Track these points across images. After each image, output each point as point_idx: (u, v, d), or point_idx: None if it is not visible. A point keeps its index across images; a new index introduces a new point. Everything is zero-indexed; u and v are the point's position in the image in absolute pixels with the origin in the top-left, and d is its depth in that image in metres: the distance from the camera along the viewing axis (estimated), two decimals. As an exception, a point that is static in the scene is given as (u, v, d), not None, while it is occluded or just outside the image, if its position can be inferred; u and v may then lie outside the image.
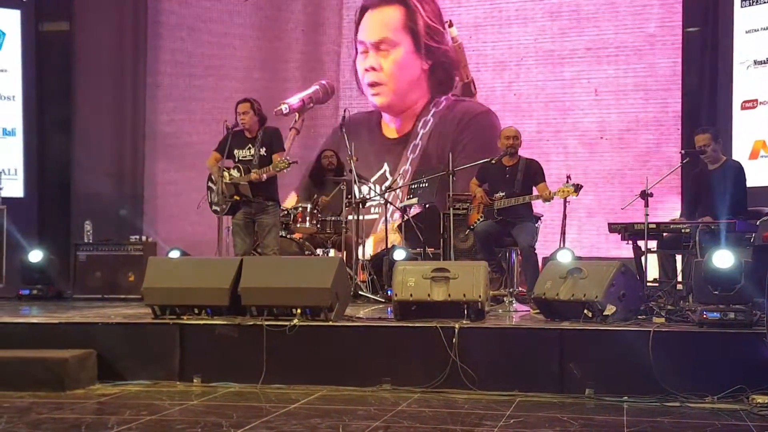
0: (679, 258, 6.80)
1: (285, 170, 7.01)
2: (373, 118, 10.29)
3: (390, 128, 10.23)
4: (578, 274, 5.80)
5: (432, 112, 10.02)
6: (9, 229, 8.55)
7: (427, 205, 8.53)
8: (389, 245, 7.92)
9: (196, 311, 5.87)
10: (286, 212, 7.98)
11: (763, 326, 4.84)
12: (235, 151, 7.09)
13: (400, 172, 9.93)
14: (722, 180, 6.53)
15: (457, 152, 9.27)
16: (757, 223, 6.15)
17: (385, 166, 8.18)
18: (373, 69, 10.20)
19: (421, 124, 10.05)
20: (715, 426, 4.29)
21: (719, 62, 8.85)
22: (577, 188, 6.79)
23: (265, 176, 6.96)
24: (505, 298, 7.10)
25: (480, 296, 5.70)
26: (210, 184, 7.50)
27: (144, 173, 10.52)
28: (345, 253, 7.88)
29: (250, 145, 7.09)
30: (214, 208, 7.31)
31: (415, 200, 8.51)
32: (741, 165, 6.81)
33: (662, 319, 5.56)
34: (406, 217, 8.30)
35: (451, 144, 9.66)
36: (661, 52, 9.27)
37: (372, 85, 10.24)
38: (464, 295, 5.71)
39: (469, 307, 5.66)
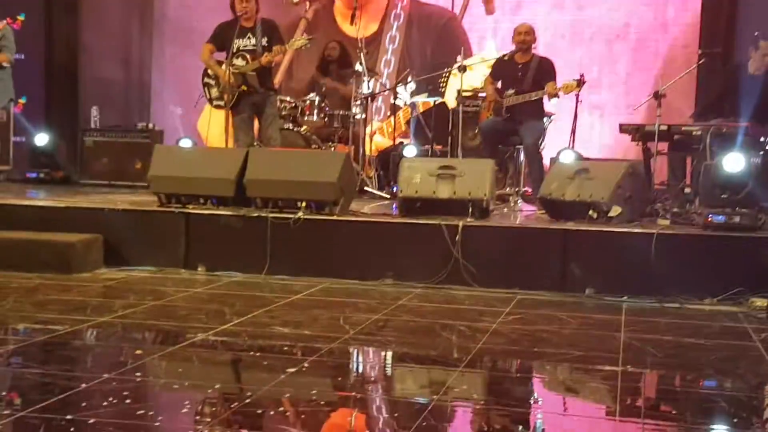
0: (689, 161, 6.74)
1: (304, 47, 6.84)
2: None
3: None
4: (585, 175, 5.77)
5: (399, 6, 9.78)
6: (15, 114, 8.50)
7: (436, 101, 8.43)
8: (397, 142, 7.87)
9: (202, 201, 5.89)
10: (294, 104, 7.90)
11: (767, 230, 4.82)
12: (236, 41, 6.86)
13: (382, 62, 9.76)
14: (763, 86, 6.33)
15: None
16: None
17: (358, 66, 8.00)
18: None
19: (392, 17, 9.80)
20: (711, 327, 4.34)
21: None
22: (580, 83, 6.67)
23: (279, 58, 6.80)
24: (511, 198, 7.09)
25: (485, 195, 5.69)
26: (207, 79, 7.08)
27: (152, 60, 10.37)
28: (352, 147, 7.84)
29: (250, 35, 6.89)
30: (217, 102, 7.03)
31: (423, 96, 8.40)
32: None
33: (667, 222, 5.55)
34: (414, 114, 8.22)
35: (432, 45, 9.45)
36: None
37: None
38: (469, 193, 5.70)
39: (473, 205, 5.65)
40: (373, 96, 7.81)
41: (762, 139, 6.05)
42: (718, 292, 4.83)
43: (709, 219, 5.15)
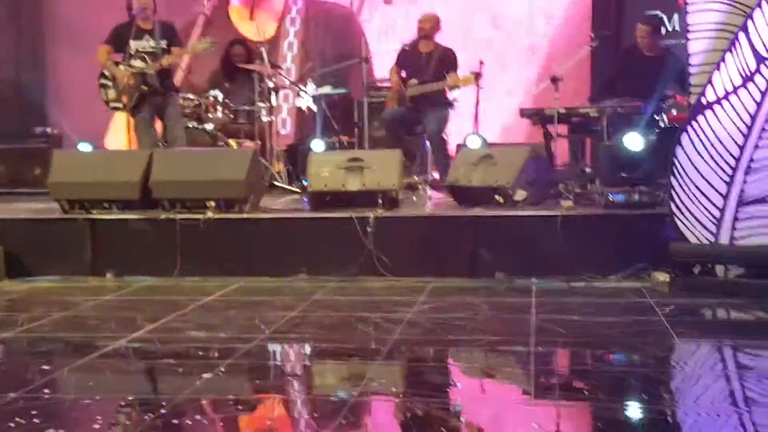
0: (588, 142, 6.94)
1: (205, 50, 6.75)
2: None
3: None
4: (490, 161, 5.88)
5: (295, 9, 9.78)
6: None
7: (340, 93, 8.43)
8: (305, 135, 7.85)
9: (106, 206, 5.76)
10: (197, 102, 7.77)
11: (664, 207, 5.01)
12: (132, 43, 6.71)
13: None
14: (657, 68, 6.54)
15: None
16: (663, 106, 6.31)
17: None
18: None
19: (288, 22, 9.79)
20: (617, 304, 4.48)
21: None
22: (477, 77, 6.79)
23: (179, 60, 6.69)
24: (419, 186, 7.17)
25: (394, 185, 5.74)
26: (103, 80, 6.87)
27: (46, 61, 10.04)
28: (260, 143, 7.77)
29: (148, 37, 6.75)
30: (114, 104, 6.84)
31: (327, 88, 8.39)
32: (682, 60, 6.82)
33: (570, 203, 5.70)
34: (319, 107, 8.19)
35: (331, 40, 9.47)
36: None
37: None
38: (379, 184, 5.74)
39: (383, 196, 5.69)
40: (277, 89, 7.74)
41: (656, 117, 6.27)
42: (622, 269, 5.00)
43: (610, 198, 5.32)
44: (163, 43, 6.73)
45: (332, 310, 4.54)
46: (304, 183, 6.56)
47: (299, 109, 8.92)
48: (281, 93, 8.20)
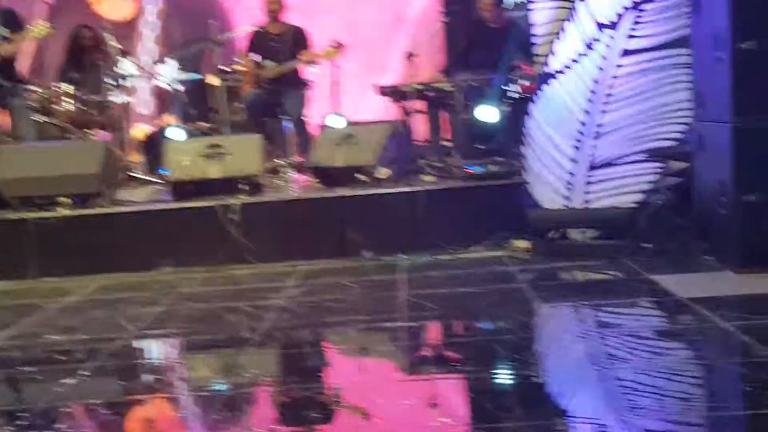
0: (446, 116, 7.05)
1: (42, 36, 6.43)
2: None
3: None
4: (351, 140, 5.90)
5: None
6: None
7: (196, 79, 8.22)
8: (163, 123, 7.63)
9: (-52, 209, 5.44)
10: (44, 94, 7.41)
11: (520, 176, 5.17)
12: None
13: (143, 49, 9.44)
14: (504, 40, 6.68)
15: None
16: (514, 76, 6.48)
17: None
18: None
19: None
20: (481, 274, 4.60)
21: None
22: (339, 47, 6.78)
23: (18, 48, 6.34)
24: (282, 169, 7.10)
25: (256, 170, 5.68)
26: None
27: None
28: (114, 133, 7.50)
29: None
30: None
31: (185, 74, 8.17)
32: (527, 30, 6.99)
33: (432, 177, 5.80)
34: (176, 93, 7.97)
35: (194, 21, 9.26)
36: None
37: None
38: (241, 170, 5.66)
39: (246, 182, 5.62)
40: (131, 77, 7.47)
41: (508, 88, 6.43)
42: (485, 239, 5.13)
43: (468, 170, 5.45)
44: (5, 32, 6.37)
45: (200, 302, 4.46)
46: (164, 173, 6.40)
47: (161, 89, 8.59)
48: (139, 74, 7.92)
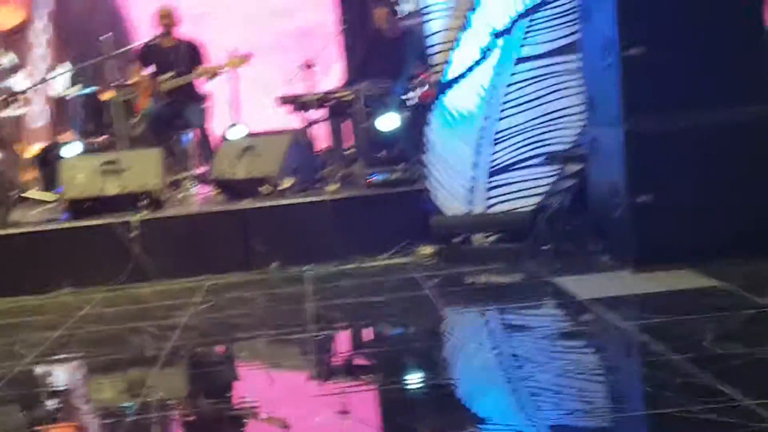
0: (347, 124, 7.07)
1: None
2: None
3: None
4: (253, 151, 5.86)
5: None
6: None
7: (90, 93, 8.02)
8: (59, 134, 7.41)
9: None
10: None
11: (423, 183, 5.23)
12: None
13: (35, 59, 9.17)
14: (400, 49, 6.75)
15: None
16: (412, 84, 6.56)
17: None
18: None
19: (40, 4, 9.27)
20: (387, 282, 4.63)
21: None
22: (246, 57, 6.74)
23: None
24: (184, 182, 7.00)
25: (156, 185, 5.58)
26: None
27: None
28: (5, 152, 7.23)
29: None
30: None
31: (78, 88, 7.95)
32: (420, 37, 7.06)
33: (336, 186, 5.81)
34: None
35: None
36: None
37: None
38: (140, 185, 5.56)
39: (146, 198, 5.52)
40: (23, 92, 7.24)
41: (407, 96, 6.50)
42: (390, 247, 5.17)
43: (371, 178, 5.48)
44: None
45: (102, 324, 4.35)
46: (59, 191, 6.22)
47: (56, 99, 8.34)
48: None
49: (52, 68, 8.12)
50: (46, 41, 9.17)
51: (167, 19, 6.86)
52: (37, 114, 8.74)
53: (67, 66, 8.12)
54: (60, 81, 8.06)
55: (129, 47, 7.42)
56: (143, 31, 8.30)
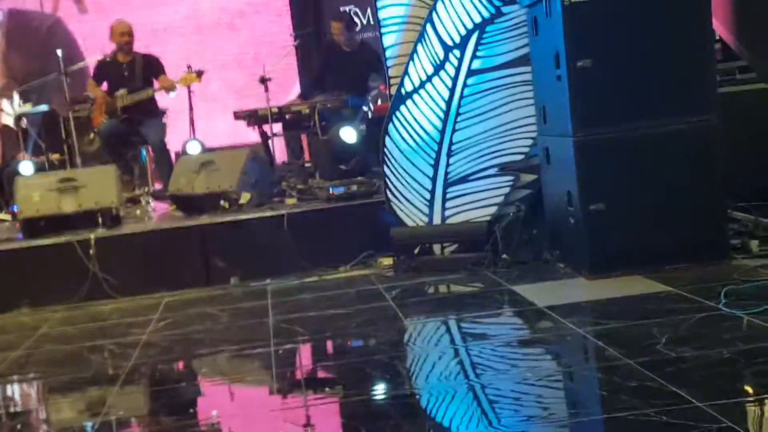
0: (304, 138, 7.12)
1: None
2: None
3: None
4: (211, 166, 5.87)
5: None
6: None
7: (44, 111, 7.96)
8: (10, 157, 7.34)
9: None
10: None
11: (381, 194, 5.29)
12: None
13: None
14: (357, 62, 6.82)
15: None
16: (369, 97, 6.64)
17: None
18: None
19: None
20: (349, 294, 4.67)
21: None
22: (199, 74, 6.76)
23: None
24: (141, 198, 6.98)
25: (113, 202, 5.57)
26: None
27: None
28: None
29: None
30: None
31: (28, 106, 7.88)
32: (376, 50, 7.16)
33: (294, 200, 5.84)
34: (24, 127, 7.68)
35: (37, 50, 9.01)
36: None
37: None
38: (96, 203, 5.54)
39: (103, 215, 5.51)
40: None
41: (364, 108, 6.58)
42: (350, 259, 5.21)
43: (330, 191, 5.52)
44: None
45: (61, 343, 4.32)
46: (15, 209, 6.16)
47: (4, 126, 8.29)
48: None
49: (4, 90, 8.03)
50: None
51: (124, 36, 6.85)
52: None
53: (17, 90, 8.06)
54: (8, 107, 7.98)
55: (84, 63, 7.39)
56: (93, 48, 8.30)
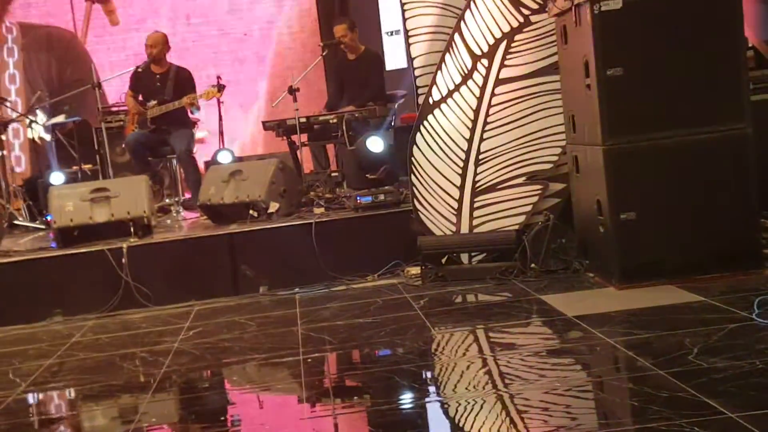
0: (332, 148, 7.16)
1: None
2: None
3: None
4: (240, 176, 5.91)
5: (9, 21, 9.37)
6: None
7: (75, 121, 8.07)
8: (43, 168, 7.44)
9: None
10: None
11: (409, 204, 5.30)
12: None
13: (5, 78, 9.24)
14: (362, 69, 6.90)
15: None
16: (395, 106, 6.67)
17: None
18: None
19: (4, 30, 9.33)
20: (377, 303, 4.68)
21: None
22: (220, 88, 6.82)
23: None
24: (172, 208, 7.05)
25: (145, 211, 5.62)
26: None
27: None
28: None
29: None
30: None
31: (62, 117, 7.99)
32: (379, 53, 7.24)
33: (322, 209, 5.87)
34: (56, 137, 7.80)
35: (58, 64, 9.15)
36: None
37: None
38: (128, 213, 5.60)
39: (135, 224, 5.56)
40: (5, 124, 7.27)
41: (388, 118, 6.61)
42: (378, 268, 5.22)
43: (358, 201, 5.54)
44: None
45: (94, 351, 4.37)
46: (49, 218, 6.25)
47: (33, 141, 8.45)
48: (10, 128, 7.71)
49: (31, 111, 8.16)
50: (18, 84, 9.24)
51: (154, 48, 6.93)
52: (15, 160, 8.77)
53: (43, 109, 8.18)
54: (37, 123, 8.10)
55: (120, 73, 7.49)
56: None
